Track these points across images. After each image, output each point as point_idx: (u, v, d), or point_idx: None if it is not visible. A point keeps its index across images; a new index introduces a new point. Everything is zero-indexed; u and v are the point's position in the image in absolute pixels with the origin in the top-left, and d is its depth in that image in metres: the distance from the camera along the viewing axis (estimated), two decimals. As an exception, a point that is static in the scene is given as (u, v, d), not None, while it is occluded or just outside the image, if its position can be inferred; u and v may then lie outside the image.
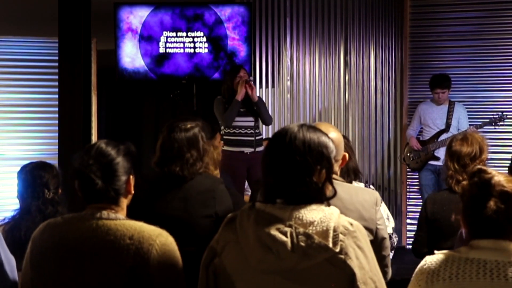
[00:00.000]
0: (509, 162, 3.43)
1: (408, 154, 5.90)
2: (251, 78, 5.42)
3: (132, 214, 2.05)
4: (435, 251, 1.94)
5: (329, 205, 1.73)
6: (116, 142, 1.98)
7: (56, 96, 4.87)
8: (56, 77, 4.88)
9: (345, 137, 2.88)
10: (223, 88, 5.42)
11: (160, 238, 1.84)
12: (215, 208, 2.73)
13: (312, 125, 1.80)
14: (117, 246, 1.81)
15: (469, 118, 5.82)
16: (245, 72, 5.39)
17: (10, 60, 5.94)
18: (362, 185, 3.23)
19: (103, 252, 1.81)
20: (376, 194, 2.53)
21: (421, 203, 3.43)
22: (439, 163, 5.66)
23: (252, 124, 5.31)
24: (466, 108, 5.85)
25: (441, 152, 5.65)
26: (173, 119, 2.87)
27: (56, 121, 4.85)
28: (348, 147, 2.87)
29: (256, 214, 1.70)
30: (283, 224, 1.65)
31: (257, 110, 5.28)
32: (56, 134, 4.89)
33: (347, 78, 6.30)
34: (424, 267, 1.90)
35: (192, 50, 6.20)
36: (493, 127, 5.67)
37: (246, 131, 5.31)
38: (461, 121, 5.73)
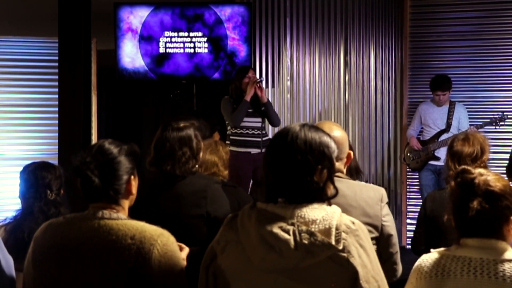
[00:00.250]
0: (507, 162, 3.43)
1: (409, 154, 5.90)
2: (262, 78, 5.42)
3: (131, 214, 2.05)
4: (431, 250, 1.97)
5: (330, 204, 1.73)
6: (120, 142, 1.98)
7: (56, 96, 4.87)
8: (56, 77, 4.88)
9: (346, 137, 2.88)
10: (231, 88, 5.43)
11: (162, 238, 1.83)
12: (206, 208, 2.73)
13: (313, 124, 1.80)
14: (119, 246, 1.80)
15: (469, 118, 5.82)
16: (254, 73, 5.41)
17: (10, 60, 5.94)
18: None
19: (105, 252, 1.81)
20: (382, 191, 2.51)
21: (421, 203, 3.43)
22: (440, 163, 5.66)
23: (259, 125, 5.31)
24: (466, 108, 5.85)
25: (441, 152, 5.65)
26: (168, 119, 2.88)
27: (56, 121, 4.86)
28: (349, 147, 2.87)
29: (257, 213, 1.70)
30: (285, 223, 1.65)
31: (265, 111, 5.29)
32: (56, 134, 4.90)
33: (347, 78, 6.30)
34: (417, 264, 1.96)
35: (192, 50, 6.21)
36: (494, 127, 5.67)
37: (253, 131, 5.31)
38: (461, 121, 5.73)
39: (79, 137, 4.78)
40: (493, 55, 6.04)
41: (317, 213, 1.67)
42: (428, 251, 3.28)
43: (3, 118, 5.91)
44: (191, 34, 6.20)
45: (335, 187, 1.75)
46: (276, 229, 1.64)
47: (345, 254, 1.63)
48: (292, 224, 1.65)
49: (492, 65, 6.05)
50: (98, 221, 1.86)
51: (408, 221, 6.16)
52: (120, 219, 1.88)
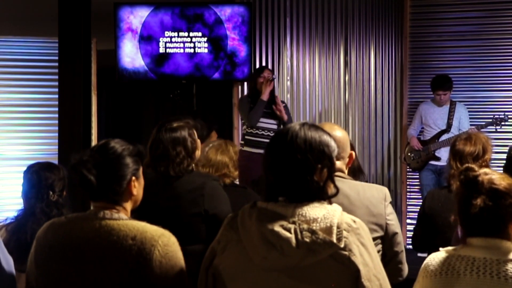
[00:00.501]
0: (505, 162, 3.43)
1: (409, 154, 5.90)
2: (274, 76, 5.42)
3: (132, 216, 2.05)
4: (440, 248, 1.96)
5: (331, 203, 1.73)
6: (126, 142, 1.97)
7: (56, 96, 4.86)
8: (56, 77, 4.88)
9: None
10: (248, 87, 5.46)
11: (163, 238, 1.83)
12: (204, 205, 2.74)
13: (314, 124, 1.79)
14: (120, 247, 1.80)
15: (469, 118, 5.82)
16: (270, 73, 5.41)
17: (10, 60, 5.94)
18: None
19: (106, 253, 1.81)
20: (385, 190, 2.52)
21: (421, 203, 3.45)
22: (440, 163, 5.67)
23: (275, 127, 5.32)
24: (466, 108, 5.86)
25: (442, 152, 5.65)
26: (162, 120, 2.89)
27: (56, 121, 4.85)
28: (351, 147, 2.87)
29: (258, 212, 1.70)
30: (286, 221, 1.65)
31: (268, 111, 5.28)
32: (56, 134, 4.89)
33: (347, 78, 6.30)
34: (425, 262, 1.95)
35: (192, 50, 6.21)
36: (494, 127, 5.67)
37: (268, 133, 5.32)
38: (462, 121, 5.73)
39: (79, 137, 4.76)
40: (493, 55, 6.04)
41: (318, 212, 1.67)
42: (425, 248, 3.29)
43: (3, 118, 5.90)
44: (191, 34, 6.20)
45: (335, 186, 1.75)
46: (277, 228, 1.64)
47: (346, 253, 1.63)
48: (293, 223, 1.64)
49: (492, 65, 6.05)
50: (100, 221, 1.86)
51: (408, 221, 6.16)
52: (122, 219, 1.87)
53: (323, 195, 1.72)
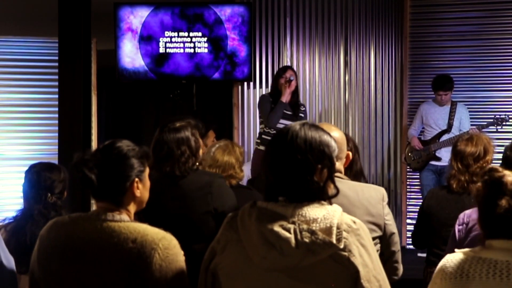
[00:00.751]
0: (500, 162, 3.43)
1: (410, 154, 5.90)
2: (292, 77, 5.28)
3: (139, 219, 2.04)
4: (456, 250, 1.92)
5: (331, 203, 1.73)
6: (133, 143, 1.96)
7: (56, 96, 4.85)
8: (56, 77, 4.87)
9: (353, 141, 2.89)
10: (271, 86, 5.42)
11: (163, 241, 1.82)
12: (213, 203, 2.74)
13: (314, 124, 1.79)
14: (120, 249, 1.80)
15: (470, 118, 5.82)
16: (292, 73, 5.33)
17: (10, 60, 5.94)
18: None
19: (107, 255, 1.81)
20: (382, 190, 2.53)
21: (421, 203, 3.47)
22: (441, 163, 5.67)
23: None
24: (467, 108, 5.86)
25: (442, 153, 5.65)
26: (164, 121, 2.89)
27: (56, 121, 4.84)
28: (355, 149, 2.88)
29: (258, 212, 1.69)
30: (286, 221, 1.65)
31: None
32: (56, 134, 4.88)
33: (347, 78, 6.30)
34: (441, 264, 1.90)
35: (192, 50, 6.21)
36: (495, 127, 5.67)
37: None
38: (462, 121, 5.73)
39: (79, 137, 4.76)
40: (493, 55, 6.04)
41: (318, 212, 1.66)
42: (424, 245, 3.30)
43: (3, 118, 5.90)
44: (191, 34, 6.20)
45: (335, 187, 1.74)
46: (277, 228, 1.63)
47: (346, 253, 1.63)
48: (293, 223, 1.64)
49: (492, 65, 6.05)
50: (101, 222, 1.85)
51: (408, 221, 6.16)
52: (123, 221, 1.87)
53: (323, 196, 1.72)
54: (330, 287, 1.64)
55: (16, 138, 5.93)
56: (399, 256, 2.59)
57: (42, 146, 5.90)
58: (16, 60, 5.94)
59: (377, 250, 2.40)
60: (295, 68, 6.26)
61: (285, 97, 5.20)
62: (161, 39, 6.20)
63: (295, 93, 5.34)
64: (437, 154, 5.72)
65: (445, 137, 5.70)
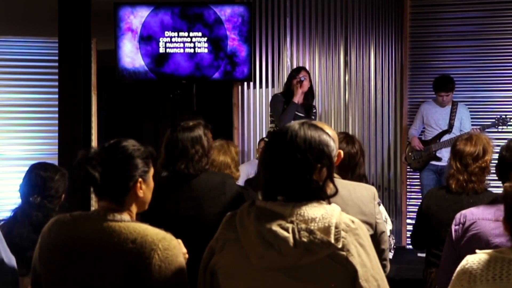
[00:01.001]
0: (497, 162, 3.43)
1: (410, 154, 5.90)
2: (302, 78, 5.24)
3: (148, 217, 2.03)
4: (477, 251, 1.89)
5: (330, 203, 1.73)
6: (139, 143, 1.96)
7: (56, 96, 4.85)
8: (56, 77, 4.87)
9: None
10: (284, 87, 5.42)
11: (163, 242, 1.82)
12: (226, 203, 2.73)
13: (313, 123, 1.79)
14: (120, 249, 1.80)
15: (470, 119, 5.82)
16: (306, 74, 5.30)
17: (10, 60, 5.94)
18: None
19: (106, 255, 1.81)
20: (373, 189, 2.55)
21: (419, 204, 3.47)
22: (441, 163, 5.67)
23: None
24: (467, 108, 5.86)
25: (443, 153, 5.65)
26: (175, 120, 2.88)
27: (56, 121, 4.84)
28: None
29: (256, 211, 1.69)
30: (284, 220, 1.64)
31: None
32: (56, 134, 4.88)
33: (347, 78, 6.30)
34: (466, 266, 1.85)
35: (192, 50, 6.21)
36: (496, 127, 5.67)
37: None
38: (463, 122, 5.73)
39: (79, 137, 4.76)
40: (493, 55, 6.04)
41: (316, 211, 1.66)
42: (422, 246, 3.30)
43: (3, 118, 5.90)
44: (191, 34, 6.20)
45: (334, 186, 1.74)
46: (275, 227, 1.63)
47: (344, 253, 1.63)
48: (291, 222, 1.64)
49: (492, 65, 6.05)
50: (102, 222, 1.85)
51: (408, 221, 6.16)
52: (124, 221, 1.87)
53: (322, 195, 1.71)
54: (328, 286, 1.64)
55: (16, 138, 5.93)
56: (387, 254, 2.61)
57: (42, 146, 5.90)
58: (16, 60, 5.94)
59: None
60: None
61: (297, 98, 5.18)
62: (161, 39, 6.20)
63: (309, 95, 5.33)
64: (437, 154, 5.72)
65: (445, 137, 5.70)
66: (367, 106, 6.28)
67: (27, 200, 3.03)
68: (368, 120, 6.28)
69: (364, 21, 6.26)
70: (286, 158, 1.70)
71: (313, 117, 5.29)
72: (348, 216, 1.72)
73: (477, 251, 1.89)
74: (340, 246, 1.62)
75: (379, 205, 2.95)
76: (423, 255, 3.43)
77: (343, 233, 1.64)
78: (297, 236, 1.61)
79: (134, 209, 1.94)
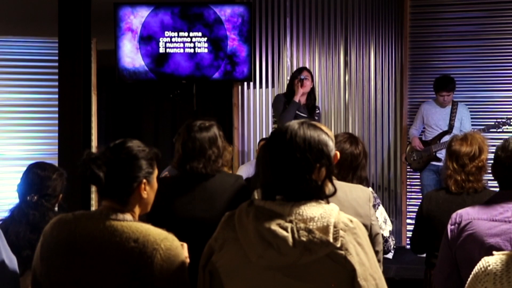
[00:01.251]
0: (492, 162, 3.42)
1: (410, 154, 5.90)
2: (302, 77, 5.22)
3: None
4: (494, 252, 1.89)
5: (328, 202, 1.73)
6: (144, 144, 1.96)
7: (56, 96, 4.86)
8: (56, 77, 4.88)
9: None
10: (287, 87, 5.42)
11: (165, 242, 1.82)
12: (238, 204, 2.73)
13: (312, 123, 1.79)
14: (122, 248, 1.80)
15: (470, 119, 5.82)
16: (308, 74, 5.30)
17: (10, 60, 5.95)
18: None
19: (108, 254, 1.81)
20: (369, 191, 2.55)
21: (418, 209, 3.44)
22: (441, 164, 5.65)
23: None
24: (467, 108, 5.86)
25: (443, 153, 5.64)
26: (190, 120, 2.87)
27: (56, 121, 4.84)
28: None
29: (255, 211, 1.69)
30: (283, 220, 1.65)
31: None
32: (56, 134, 4.89)
33: (347, 78, 6.30)
34: (489, 268, 1.84)
35: (192, 50, 6.21)
36: (496, 129, 5.67)
37: None
38: (463, 122, 5.73)
39: (79, 137, 4.76)
40: (493, 55, 6.04)
41: (315, 211, 1.66)
42: (427, 251, 3.28)
43: (3, 118, 5.91)
44: (191, 34, 6.20)
45: (333, 186, 1.75)
46: (274, 226, 1.64)
47: (343, 252, 1.63)
48: (290, 222, 1.64)
49: (492, 65, 6.05)
50: (105, 221, 1.86)
51: (408, 221, 6.16)
52: (126, 220, 1.87)
53: (320, 194, 1.72)
54: (326, 285, 1.64)
55: (16, 138, 5.94)
56: (381, 256, 2.62)
57: (42, 146, 5.90)
58: (16, 60, 5.95)
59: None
60: (295, 68, 6.26)
61: (298, 97, 5.18)
62: (161, 39, 6.20)
63: (311, 95, 5.33)
64: (438, 155, 5.72)
65: (446, 138, 5.68)
66: (367, 106, 6.28)
67: (24, 199, 3.03)
68: (368, 120, 6.28)
69: (364, 21, 6.26)
70: (286, 158, 1.70)
71: (316, 118, 5.28)
72: (346, 215, 1.72)
73: (494, 252, 1.89)
74: (338, 245, 1.63)
75: (379, 206, 2.95)
76: (423, 255, 3.43)
77: (341, 233, 1.64)
78: (296, 235, 1.62)
79: (137, 210, 1.94)
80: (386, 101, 6.27)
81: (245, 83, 6.38)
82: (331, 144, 1.77)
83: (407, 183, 6.24)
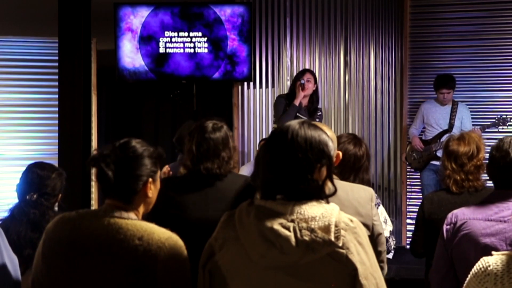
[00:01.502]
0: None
1: (410, 153, 5.90)
2: (303, 81, 5.23)
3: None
4: (493, 252, 1.89)
5: (328, 202, 1.73)
6: (147, 143, 1.97)
7: (56, 96, 4.85)
8: (56, 77, 4.87)
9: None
10: (289, 88, 5.43)
11: (170, 241, 1.84)
12: None
13: (312, 122, 1.80)
14: (126, 246, 1.81)
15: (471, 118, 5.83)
16: (310, 76, 5.30)
17: (10, 60, 5.95)
18: None
19: (112, 251, 1.82)
20: (371, 191, 2.54)
21: (419, 212, 3.41)
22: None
23: None
24: (468, 108, 5.86)
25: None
26: (201, 120, 2.88)
27: (56, 121, 4.84)
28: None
29: (256, 210, 1.70)
30: (285, 219, 1.65)
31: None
32: (56, 134, 4.88)
33: (347, 78, 6.30)
34: (490, 268, 1.84)
35: (192, 50, 6.21)
36: (497, 127, 5.68)
37: None
38: (464, 121, 5.73)
39: (79, 137, 4.75)
40: (493, 55, 6.04)
41: (316, 210, 1.67)
42: (429, 254, 3.27)
43: (3, 118, 5.91)
44: (191, 34, 6.20)
45: (334, 185, 1.75)
46: (276, 226, 1.64)
47: (344, 251, 1.63)
48: (292, 221, 1.65)
49: (492, 65, 6.05)
50: (109, 219, 1.86)
51: (408, 221, 6.16)
52: (130, 219, 1.88)
53: (321, 194, 1.72)
54: (327, 284, 1.65)
55: (16, 138, 5.94)
56: (384, 256, 2.60)
57: (42, 146, 5.90)
58: (16, 60, 5.95)
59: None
60: (295, 68, 6.27)
61: (298, 100, 5.19)
62: (161, 39, 6.20)
63: (313, 97, 5.33)
64: (438, 154, 5.71)
65: (446, 137, 5.69)
66: (367, 106, 6.28)
67: (23, 198, 3.04)
68: (368, 120, 6.28)
69: (364, 21, 6.27)
70: (287, 157, 1.70)
71: (317, 120, 5.28)
72: (347, 215, 1.73)
73: (493, 252, 1.89)
74: (340, 244, 1.63)
75: (379, 206, 2.95)
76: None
77: (342, 232, 1.65)
78: (298, 234, 1.62)
79: (141, 209, 1.95)
80: (386, 101, 6.27)
81: (245, 83, 6.39)
82: (331, 144, 1.78)
83: (407, 183, 6.25)
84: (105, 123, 7.36)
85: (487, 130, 5.65)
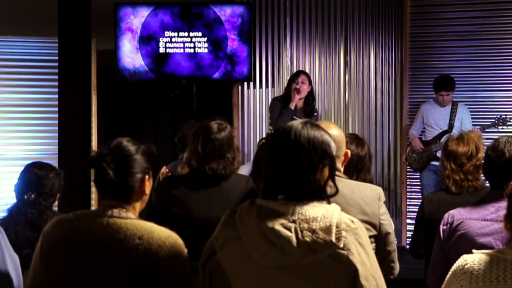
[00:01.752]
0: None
1: (410, 154, 5.90)
2: (298, 86, 5.26)
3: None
4: (474, 251, 1.86)
5: (329, 202, 1.73)
6: (138, 141, 1.99)
7: (56, 96, 4.85)
8: (56, 77, 4.87)
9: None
10: (285, 89, 5.44)
11: (170, 240, 1.84)
12: None
13: (314, 122, 1.80)
14: (126, 245, 1.81)
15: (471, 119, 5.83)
16: (305, 78, 5.31)
17: (10, 60, 5.94)
18: None
19: (112, 250, 1.82)
20: (379, 190, 2.52)
21: (418, 212, 3.40)
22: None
23: None
24: (467, 108, 5.86)
25: (443, 153, 5.65)
26: (205, 120, 2.89)
27: (56, 121, 4.84)
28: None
29: (257, 210, 1.70)
30: (286, 220, 1.65)
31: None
32: (56, 134, 4.88)
33: (347, 78, 6.30)
34: (466, 266, 1.81)
35: (192, 50, 6.21)
36: (497, 127, 5.68)
37: None
38: (464, 122, 5.73)
39: (79, 137, 4.75)
40: (493, 55, 6.04)
41: (317, 211, 1.67)
42: (428, 254, 3.27)
43: (3, 118, 5.90)
44: (191, 34, 6.20)
45: (335, 186, 1.75)
46: (277, 226, 1.64)
47: (345, 252, 1.64)
48: (293, 221, 1.65)
49: (492, 65, 6.05)
50: (108, 219, 1.86)
51: (408, 221, 6.16)
52: (130, 218, 1.88)
53: (322, 194, 1.72)
54: (327, 285, 1.65)
55: (16, 138, 5.93)
56: (395, 256, 2.56)
57: (42, 146, 5.90)
58: (16, 60, 5.95)
59: (373, 249, 2.40)
60: (295, 68, 6.27)
61: (293, 104, 5.21)
62: (161, 39, 6.20)
63: (309, 99, 5.33)
64: (438, 154, 5.71)
65: (446, 137, 5.68)
66: (367, 106, 6.28)
67: (22, 198, 3.04)
68: (368, 120, 6.28)
69: (364, 21, 6.26)
70: (290, 158, 1.71)
71: (314, 120, 5.28)
72: (348, 216, 1.73)
73: (474, 251, 1.86)
74: (341, 245, 1.63)
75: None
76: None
77: (343, 233, 1.65)
78: (300, 235, 1.62)
79: (138, 207, 1.96)
80: (386, 101, 6.27)
81: (245, 83, 6.38)
82: (333, 144, 1.78)
83: (407, 183, 6.25)
84: (105, 123, 7.35)
85: (487, 130, 5.65)
